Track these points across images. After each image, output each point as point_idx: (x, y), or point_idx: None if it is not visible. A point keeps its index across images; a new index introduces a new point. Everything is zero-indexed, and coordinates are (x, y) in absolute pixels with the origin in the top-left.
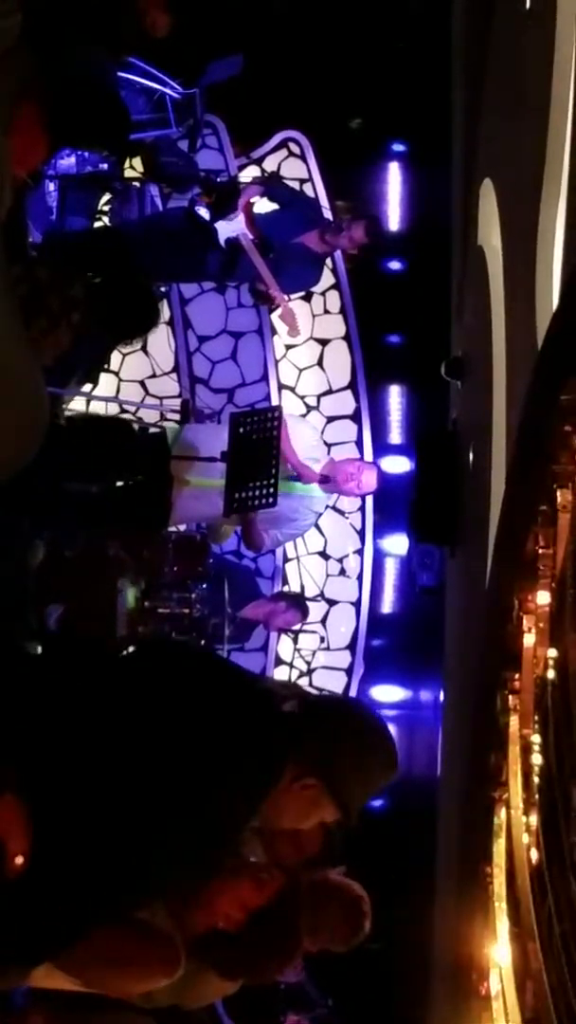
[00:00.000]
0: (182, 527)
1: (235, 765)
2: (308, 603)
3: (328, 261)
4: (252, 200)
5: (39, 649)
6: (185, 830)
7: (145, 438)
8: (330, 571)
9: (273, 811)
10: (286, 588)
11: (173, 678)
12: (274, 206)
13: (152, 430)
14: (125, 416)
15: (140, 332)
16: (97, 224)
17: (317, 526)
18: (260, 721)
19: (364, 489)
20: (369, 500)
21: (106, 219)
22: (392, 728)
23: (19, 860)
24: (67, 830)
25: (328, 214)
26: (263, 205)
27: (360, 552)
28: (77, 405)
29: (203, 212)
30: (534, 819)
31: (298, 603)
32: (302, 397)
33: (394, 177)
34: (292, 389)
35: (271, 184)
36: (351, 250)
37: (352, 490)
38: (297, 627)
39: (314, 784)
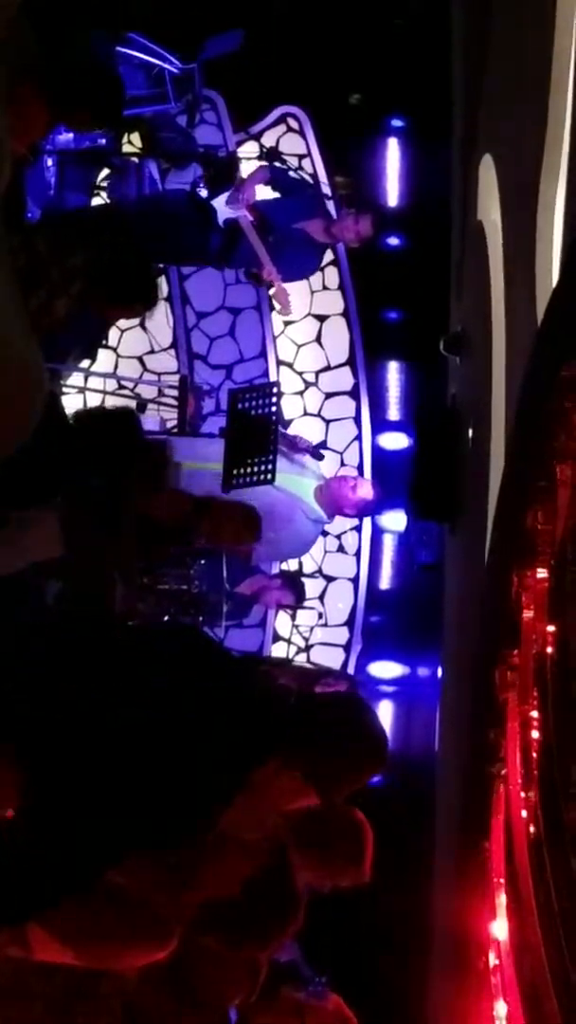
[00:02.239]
0: None
1: (223, 744)
2: (306, 579)
3: None
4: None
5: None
6: (171, 798)
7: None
8: (328, 547)
9: (255, 796)
10: (284, 565)
11: (172, 660)
12: (276, 194)
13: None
14: (123, 395)
15: (140, 300)
16: (96, 200)
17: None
18: (252, 705)
19: (361, 497)
20: (367, 477)
21: (104, 195)
22: (390, 705)
23: (7, 813)
24: (56, 794)
25: (328, 198)
26: (265, 192)
27: (358, 529)
28: (75, 380)
29: (204, 194)
30: (532, 794)
31: (293, 583)
32: (300, 373)
33: (393, 152)
34: (290, 365)
35: (276, 172)
36: (355, 243)
37: (349, 499)
38: (290, 603)
39: (297, 775)
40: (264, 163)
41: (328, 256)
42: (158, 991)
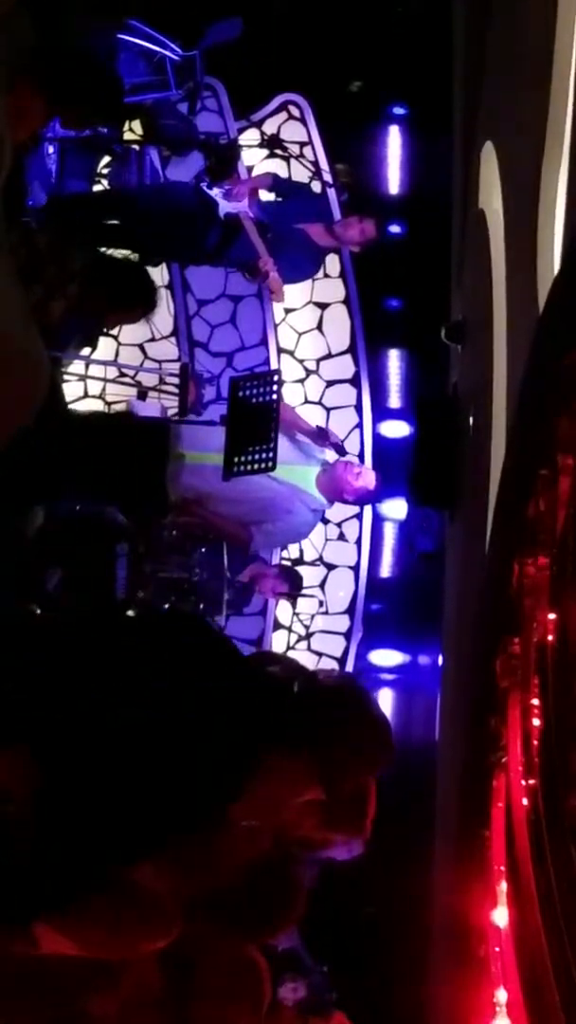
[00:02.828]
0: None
1: (228, 736)
2: (307, 568)
3: None
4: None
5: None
6: (177, 793)
7: (143, 431)
8: (329, 535)
9: (261, 786)
10: (285, 553)
11: (177, 654)
12: (279, 198)
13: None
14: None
15: (141, 303)
16: (98, 188)
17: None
18: (256, 695)
19: (363, 485)
20: (368, 464)
21: (105, 182)
22: (390, 692)
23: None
24: (67, 791)
25: (330, 185)
26: (268, 196)
27: (359, 517)
28: (77, 368)
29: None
30: (533, 782)
31: (290, 575)
32: (301, 361)
33: (394, 140)
34: (291, 353)
35: (278, 179)
36: (357, 246)
37: (351, 486)
38: (285, 591)
39: (302, 765)
40: (269, 172)
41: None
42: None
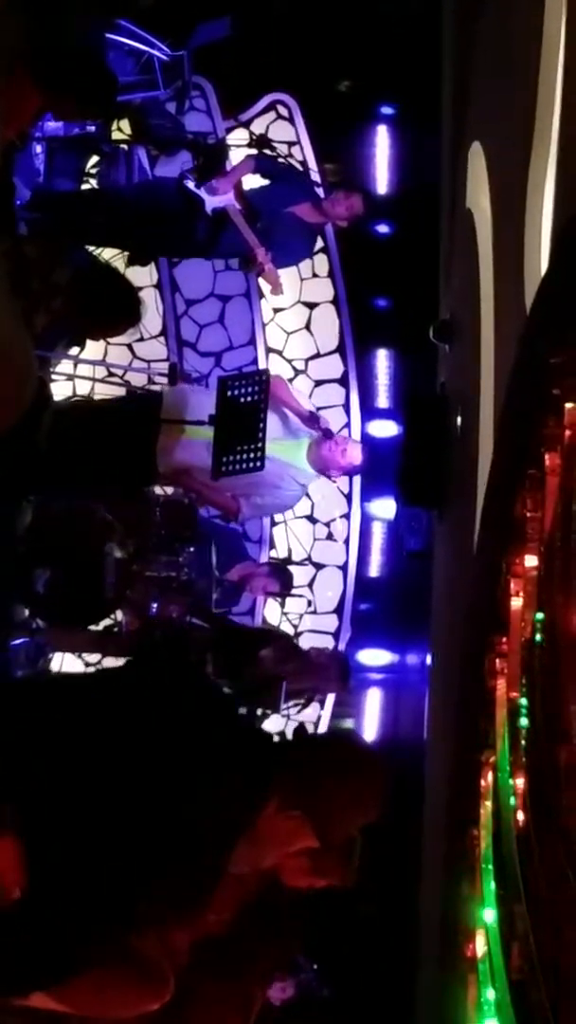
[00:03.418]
0: (170, 490)
1: (222, 794)
2: (295, 567)
3: None
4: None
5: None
6: (172, 857)
7: (136, 398)
8: (317, 535)
9: (254, 838)
10: (273, 552)
11: (165, 706)
12: (265, 181)
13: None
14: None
15: (120, 323)
16: (85, 187)
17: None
18: (250, 749)
19: (349, 461)
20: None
21: (93, 181)
22: (379, 692)
23: (16, 894)
24: (60, 862)
25: (318, 185)
26: (253, 180)
27: (347, 516)
28: (65, 367)
29: (192, 184)
30: (521, 782)
31: (281, 573)
32: (290, 361)
33: (383, 140)
34: (280, 353)
35: (262, 160)
36: (345, 221)
37: (338, 464)
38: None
39: (297, 815)
40: (251, 152)
41: (318, 243)
42: None
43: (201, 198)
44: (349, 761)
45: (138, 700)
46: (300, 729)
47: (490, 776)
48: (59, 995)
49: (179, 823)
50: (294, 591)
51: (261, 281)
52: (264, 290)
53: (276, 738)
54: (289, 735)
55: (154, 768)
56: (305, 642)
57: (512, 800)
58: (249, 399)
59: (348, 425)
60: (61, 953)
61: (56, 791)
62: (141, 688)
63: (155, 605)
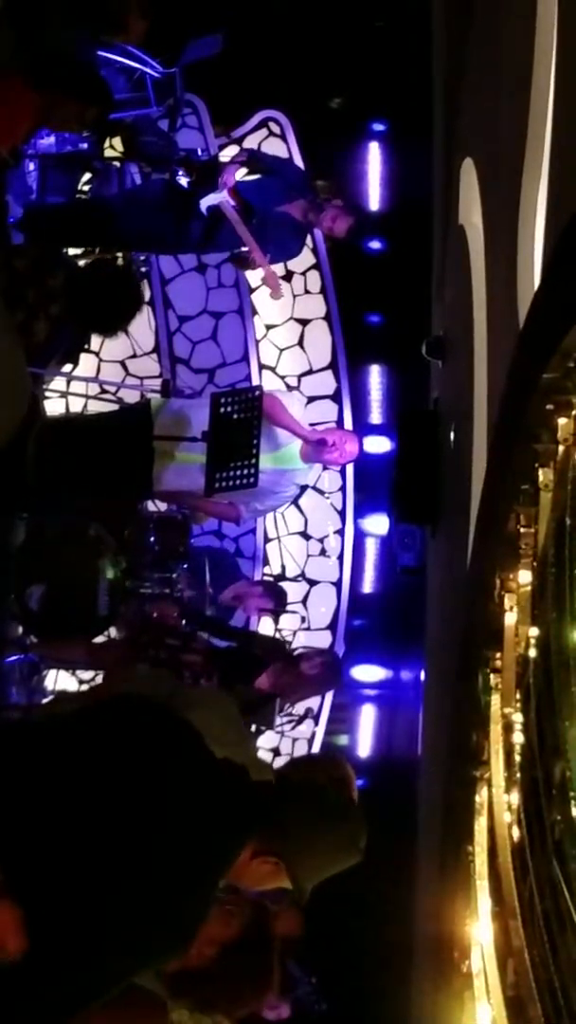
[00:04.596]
0: (163, 507)
1: (202, 844)
2: (288, 583)
3: (308, 241)
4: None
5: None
6: (156, 907)
7: (127, 413)
8: (311, 551)
9: (232, 877)
10: (267, 568)
11: (143, 758)
12: (257, 176)
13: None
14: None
15: (119, 323)
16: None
17: (298, 506)
18: (228, 798)
19: (346, 457)
20: (350, 480)
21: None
22: (373, 708)
23: (18, 954)
24: (53, 917)
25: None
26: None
27: (341, 532)
28: (58, 384)
29: (183, 182)
30: (515, 798)
31: (275, 591)
32: (283, 377)
33: (374, 156)
34: (273, 369)
35: (254, 152)
36: (327, 233)
37: (335, 459)
38: (271, 608)
39: (274, 862)
40: (244, 149)
41: (310, 260)
42: None
43: (192, 195)
44: (330, 811)
45: (116, 754)
46: (282, 773)
47: (484, 792)
48: None
49: (161, 870)
50: (288, 608)
51: (256, 300)
52: (257, 307)
53: (269, 758)
54: (283, 750)
55: (134, 820)
56: None
57: (507, 816)
58: (242, 415)
59: (340, 428)
60: (70, 997)
61: (45, 850)
62: (118, 743)
63: (152, 615)
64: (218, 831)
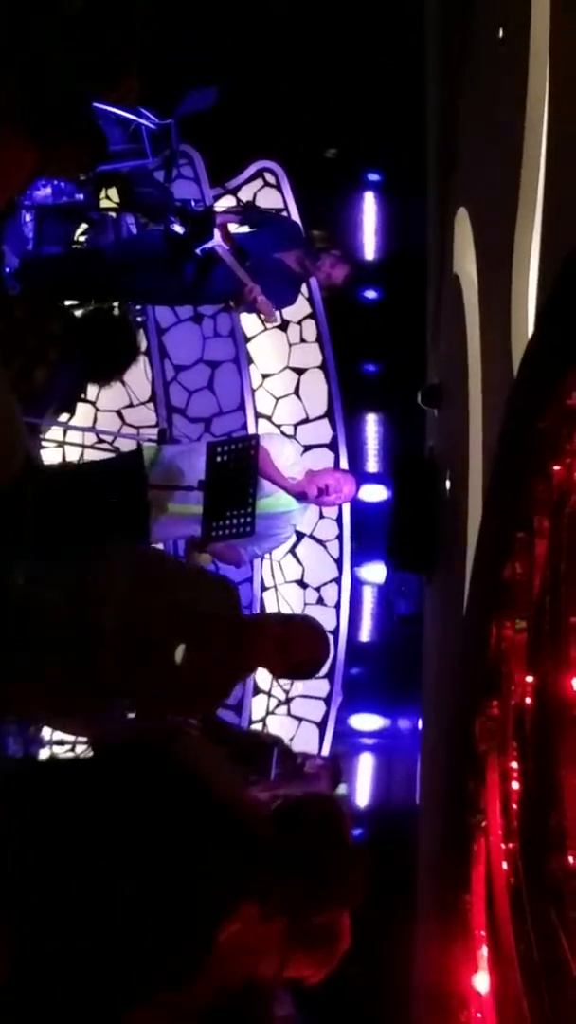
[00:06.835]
0: (159, 546)
1: (204, 888)
2: None
3: (304, 290)
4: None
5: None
6: (153, 954)
7: (118, 463)
8: (308, 600)
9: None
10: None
11: (143, 809)
12: (253, 229)
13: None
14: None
15: (117, 371)
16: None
17: (295, 554)
18: (229, 852)
19: (344, 498)
20: (347, 528)
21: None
22: (371, 757)
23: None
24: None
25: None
26: (241, 229)
27: (338, 581)
28: (54, 434)
29: (179, 229)
30: (512, 846)
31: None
32: (279, 426)
33: (369, 206)
34: (269, 418)
35: (248, 212)
36: (323, 283)
37: (332, 501)
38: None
39: (280, 921)
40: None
41: (306, 309)
42: None
43: (188, 240)
44: (335, 863)
45: (114, 803)
46: (283, 818)
47: (481, 840)
48: None
49: (159, 918)
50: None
51: (243, 320)
52: (253, 356)
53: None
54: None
55: (132, 875)
56: (296, 708)
57: (504, 864)
58: (239, 464)
59: (337, 470)
60: None
61: (39, 894)
62: (117, 791)
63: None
64: (215, 885)
